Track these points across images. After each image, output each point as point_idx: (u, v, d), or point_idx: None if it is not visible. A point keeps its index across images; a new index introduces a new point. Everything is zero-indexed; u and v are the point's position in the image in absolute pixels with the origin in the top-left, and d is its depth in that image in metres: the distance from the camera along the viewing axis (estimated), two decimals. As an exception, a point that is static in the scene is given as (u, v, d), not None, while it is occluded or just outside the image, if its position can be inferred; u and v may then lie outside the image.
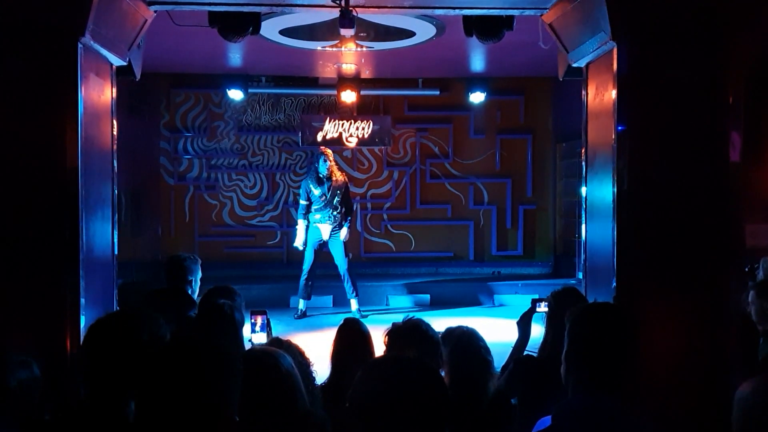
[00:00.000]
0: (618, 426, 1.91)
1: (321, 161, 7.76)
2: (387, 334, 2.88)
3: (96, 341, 2.03)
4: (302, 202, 7.93)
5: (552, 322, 3.63)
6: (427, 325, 2.88)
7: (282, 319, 7.85)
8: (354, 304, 7.92)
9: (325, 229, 7.83)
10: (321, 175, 7.76)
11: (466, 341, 3.11)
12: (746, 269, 5.47)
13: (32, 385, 2.29)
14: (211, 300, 3.52)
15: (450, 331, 3.24)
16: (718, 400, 3.35)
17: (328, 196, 7.76)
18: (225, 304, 3.40)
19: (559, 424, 1.97)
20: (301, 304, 8.04)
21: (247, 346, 3.38)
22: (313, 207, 7.82)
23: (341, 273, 7.93)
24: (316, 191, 7.77)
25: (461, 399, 3.01)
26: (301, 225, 7.95)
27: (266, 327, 3.73)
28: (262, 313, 3.72)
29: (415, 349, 2.73)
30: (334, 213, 7.79)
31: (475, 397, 3.04)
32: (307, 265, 7.93)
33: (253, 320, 3.76)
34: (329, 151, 7.99)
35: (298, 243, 8.00)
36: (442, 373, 3.03)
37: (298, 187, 10.11)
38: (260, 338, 3.67)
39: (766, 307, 4.02)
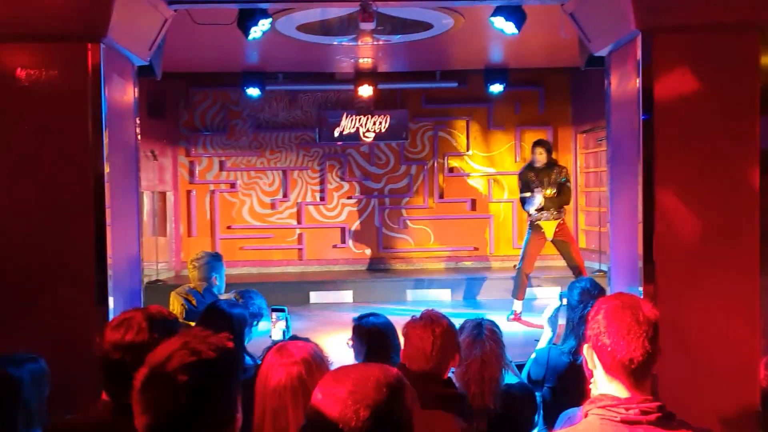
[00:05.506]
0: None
1: None
2: (405, 328, 2.89)
3: (110, 339, 2.04)
4: None
5: (572, 314, 3.62)
6: (445, 318, 2.88)
7: (301, 316, 7.88)
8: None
9: None
10: None
11: (477, 332, 3.11)
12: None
13: (42, 378, 2.36)
14: (211, 302, 3.58)
15: (465, 323, 3.25)
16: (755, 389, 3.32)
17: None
18: (224, 304, 3.43)
19: (591, 419, 1.94)
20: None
21: (267, 343, 3.39)
22: None
23: None
24: None
25: (472, 388, 3.02)
26: None
27: (285, 323, 3.76)
28: (281, 310, 3.75)
29: (432, 342, 2.74)
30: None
31: (486, 387, 3.04)
32: None
33: (273, 317, 3.79)
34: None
35: None
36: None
37: (317, 184, 10.17)
38: (279, 335, 3.71)
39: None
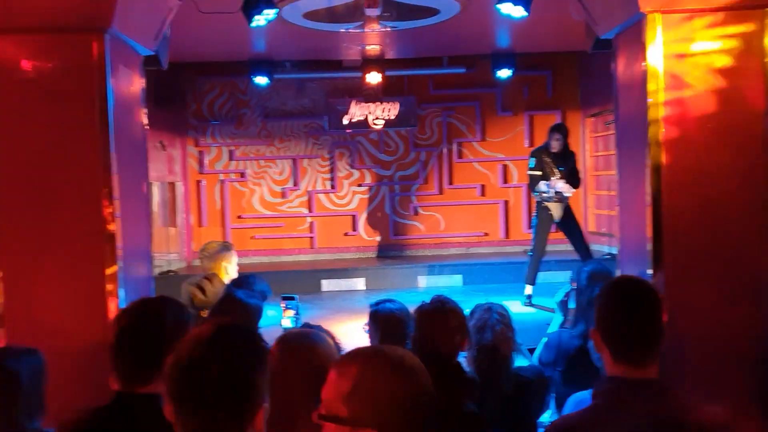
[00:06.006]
0: (656, 401, 1.88)
1: None
2: (415, 313, 2.91)
3: (121, 328, 2.06)
4: None
5: (581, 297, 3.62)
6: (454, 303, 2.90)
7: (313, 304, 7.91)
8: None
9: None
10: None
11: (487, 317, 3.12)
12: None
13: (41, 370, 2.40)
14: (227, 291, 3.57)
15: (475, 307, 3.26)
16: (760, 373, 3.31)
17: None
18: (241, 293, 3.44)
19: (601, 402, 1.94)
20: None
21: (279, 331, 3.41)
22: None
23: None
24: None
25: (483, 370, 3.03)
26: None
27: (296, 311, 3.77)
28: (291, 298, 3.77)
29: (443, 325, 2.75)
30: None
31: (497, 371, 3.06)
32: None
33: (282, 305, 3.81)
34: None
35: None
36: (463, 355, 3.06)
37: (327, 172, 10.17)
38: (289, 323, 3.73)
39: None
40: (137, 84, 3.98)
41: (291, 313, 3.71)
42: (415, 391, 1.46)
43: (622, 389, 1.91)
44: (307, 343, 2.00)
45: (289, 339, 2.04)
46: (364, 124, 9.73)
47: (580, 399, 2.41)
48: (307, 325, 2.69)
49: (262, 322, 3.80)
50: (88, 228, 3.42)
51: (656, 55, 3.47)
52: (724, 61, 3.48)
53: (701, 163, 3.46)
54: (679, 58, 3.47)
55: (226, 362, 1.45)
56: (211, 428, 1.45)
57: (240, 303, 3.32)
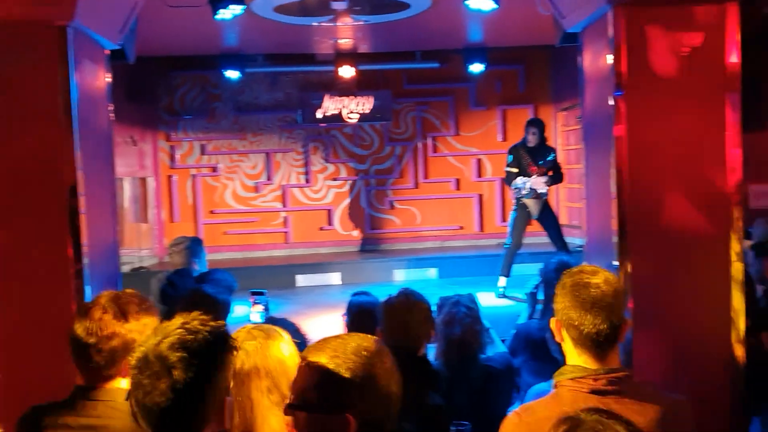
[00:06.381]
0: (617, 390, 1.91)
1: None
2: (382, 306, 2.93)
3: (84, 323, 2.05)
4: None
5: (548, 289, 3.66)
6: (420, 295, 2.92)
7: (288, 299, 7.89)
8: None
9: None
10: None
11: (455, 311, 3.15)
12: (748, 230, 5.49)
13: None
14: (194, 286, 3.58)
15: (443, 301, 3.28)
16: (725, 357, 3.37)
17: None
18: (209, 288, 3.44)
19: (561, 391, 1.97)
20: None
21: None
22: None
23: None
24: None
25: (452, 364, 3.05)
26: None
27: (265, 307, 3.77)
28: (260, 293, 3.76)
29: (408, 320, 2.77)
30: None
31: (466, 365, 3.08)
32: None
33: (251, 300, 3.80)
34: None
35: None
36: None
37: (301, 166, 10.14)
38: (258, 318, 3.73)
39: (765, 267, 4.04)
40: (102, 78, 3.93)
41: (260, 308, 3.70)
42: (383, 375, 1.51)
43: (583, 379, 1.93)
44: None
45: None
46: (338, 118, 9.71)
47: (539, 391, 2.44)
48: (271, 320, 2.69)
49: (231, 318, 3.79)
50: (52, 225, 3.38)
51: (621, 48, 3.50)
52: (692, 53, 3.51)
53: (665, 156, 3.50)
54: (644, 51, 3.50)
55: (186, 359, 1.45)
56: (171, 423, 1.45)
57: (207, 297, 3.31)
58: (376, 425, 1.50)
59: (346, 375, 1.47)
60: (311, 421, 1.48)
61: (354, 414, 1.46)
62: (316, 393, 1.47)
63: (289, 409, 1.50)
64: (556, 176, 7.26)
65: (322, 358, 1.50)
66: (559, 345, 2.75)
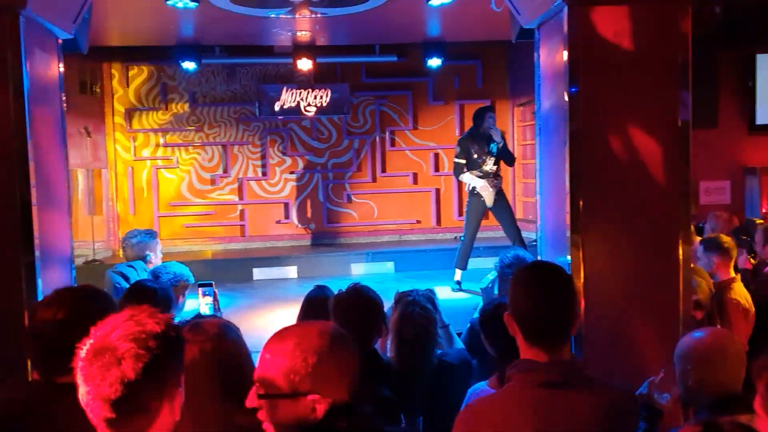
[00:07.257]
0: (568, 382, 1.95)
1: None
2: (332, 301, 2.93)
3: (42, 317, 2.02)
4: None
5: (503, 283, 3.71)
6: (370, 290, 2.93)
7: (245, 293, 7.84)
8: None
9: None
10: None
11: (410, 311, 3.15)
12: (699, 225, 5.64)
13: None
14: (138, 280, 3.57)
15: (398, 297, 3.29)
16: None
17: None
18: (149, 282, 3.43)
19: (513, 384, 2.00)
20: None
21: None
22: None
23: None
24: None
25: (405, 360, 3.07)
26: None
27: (213, 299, 3.75)
28: (208, 285, 3.74)
29: (359, 315, 2.78)
30: None
31: (419, 364, 3.09)
32: None
33: (199, 292, 3.78)
34: None
35: None
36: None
37: (258, 159, 10.07)
38: (207, 310, 3.72)
39: (712, 261, 4.16)
40: (55, 68, 3.85)
41: (209, 299, 3.67)
42: (347, 356, 1.61)
43: (534, 372, 1.97)
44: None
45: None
46: (296, 111, 9.66)
47: (477, 391, 2.47)
48: (198, 316, 2.64)
49: (186, 311, 3.76)
50: (2, 216, 3.31)
51: (577, 45, 3.55)
52: (645, 52, 3.57)
53: (618, 152, 3.57)
54: (600, 48, 3.56)
55: (143, 345, 1.45)
56: (121, 415, 1.44)
57: (147, 290, 3.29)
58: (342, 406, 1.57)
59: (312, 360, 1.54)
60: (281, 407, 1.54)
61: (321, 396, 1.53)
62: (286, 380, 1.54)
63: (257, 398, 1.54)
64: (506, 158, 7.38)
65: (286, 346, 1.56)
66: (490, 340, 2.81)
